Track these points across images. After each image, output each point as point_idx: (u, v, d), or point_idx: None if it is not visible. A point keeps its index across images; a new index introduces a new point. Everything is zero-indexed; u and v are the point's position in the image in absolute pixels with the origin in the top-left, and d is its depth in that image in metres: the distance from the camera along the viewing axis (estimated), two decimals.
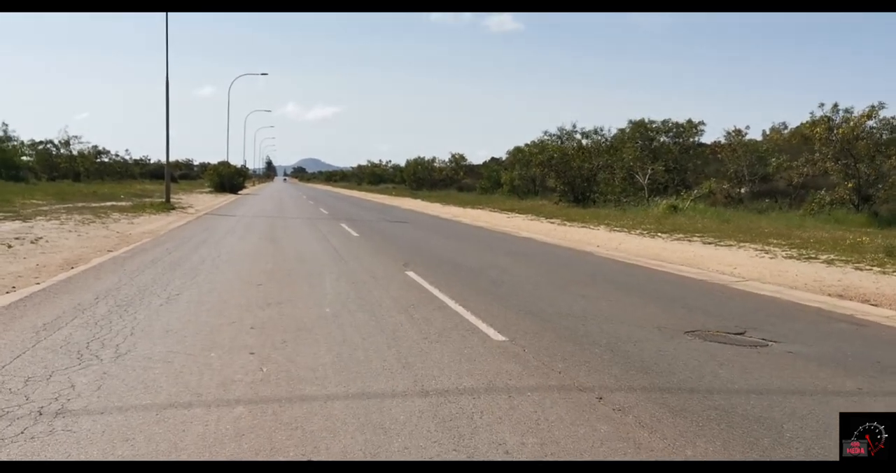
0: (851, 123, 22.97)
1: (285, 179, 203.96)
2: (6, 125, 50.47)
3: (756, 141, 33.32)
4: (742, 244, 15.68)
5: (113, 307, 6.84)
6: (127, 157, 72.04)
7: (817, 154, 24.41)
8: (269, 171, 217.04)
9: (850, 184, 23.18)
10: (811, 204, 24.04)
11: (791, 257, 13.30)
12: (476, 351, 5.40)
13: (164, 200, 28.56)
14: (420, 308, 7.21)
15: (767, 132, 40.76)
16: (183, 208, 27.94)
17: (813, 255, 13.39)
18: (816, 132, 23.34)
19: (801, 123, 47.24)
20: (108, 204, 26.89)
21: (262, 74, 53.01)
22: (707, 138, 36.13)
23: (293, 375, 4.66)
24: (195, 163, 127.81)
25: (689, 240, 16.84)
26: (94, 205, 25.60)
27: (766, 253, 14.01)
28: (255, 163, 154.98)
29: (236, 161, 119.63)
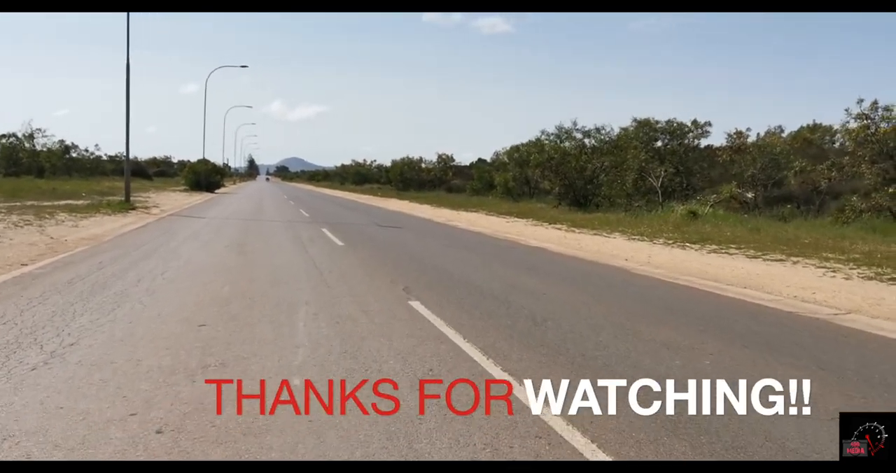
0: (894, 122, 20.68)
1: (268, 178, 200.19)
2: None
3: (768, 143, 31.10)
4: (793, 259, 13.25)
5: None
6: (100, 153, 68.41)
7: (847, 157, 22.15)
8: (252, 170, 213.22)
9: (890, 190, 20.88)
10: (843, 211, 21.70)
11: (869, 278, 10.91)
12: None
13: (123, 199, 25.63)
14: (445, 375, 4.57)
15: (762, 135, 38.66)
16: (146, 208, 25.08)
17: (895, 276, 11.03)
18: (854, 132, 21.04)
19: (801, 127, 45.40)
20: (63, 202, 23.99)
21: (243, 66, 49.98)
22: (708, 141, 33.90)
23: None
24: (174, 160, 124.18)
25: (728, 253, 14.42)
26: (45, 203, 22.73)
27: (833, 271, 11.60)
28: (237, 162, 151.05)
29: (216, 158, 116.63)
